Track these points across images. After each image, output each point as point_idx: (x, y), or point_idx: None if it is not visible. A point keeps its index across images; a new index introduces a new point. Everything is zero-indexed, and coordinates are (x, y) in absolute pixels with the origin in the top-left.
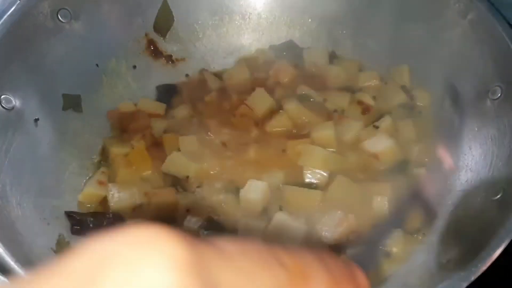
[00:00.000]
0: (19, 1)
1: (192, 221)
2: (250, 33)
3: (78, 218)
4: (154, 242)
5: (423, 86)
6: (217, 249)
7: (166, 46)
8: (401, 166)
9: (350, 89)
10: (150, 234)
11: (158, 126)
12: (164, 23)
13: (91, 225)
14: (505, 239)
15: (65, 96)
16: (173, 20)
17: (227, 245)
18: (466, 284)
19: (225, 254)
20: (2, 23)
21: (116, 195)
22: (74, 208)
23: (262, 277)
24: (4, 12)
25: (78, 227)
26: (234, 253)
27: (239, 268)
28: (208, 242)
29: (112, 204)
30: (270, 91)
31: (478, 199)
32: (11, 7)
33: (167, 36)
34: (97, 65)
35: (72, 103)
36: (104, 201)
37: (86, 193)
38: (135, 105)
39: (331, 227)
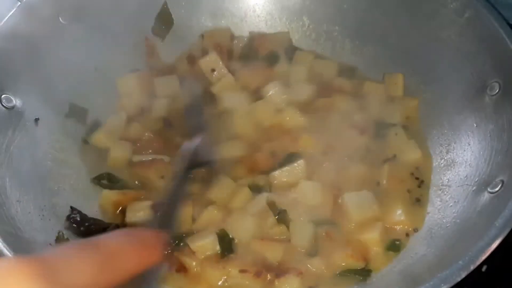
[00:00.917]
0: (20, 3)
1: None
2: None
3: (78, 216)
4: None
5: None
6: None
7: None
8: None
9: None
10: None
11: None
12: (163, 26)
13: (91, 227)
14: (504, 230)
15: (72, 105)
16: (172, 23)
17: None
18: (465, 273)
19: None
20: (3, 24)
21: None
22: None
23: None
24: (6, 13)
25: (71, 222)
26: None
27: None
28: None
29: (127, 219)
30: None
31: (477, 193)
32: (13, 8)
33: (166, 39)
34: (95, 68)
35: (78, 114)
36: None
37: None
38: None
39: None
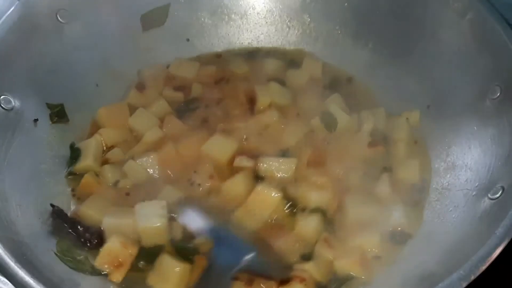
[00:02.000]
0: (18, 1)
1: None
2: (249, 32)
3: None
4: None
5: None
6: None
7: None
8: None
9: None
10: None
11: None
12: (153, 21)
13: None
14: (504, 239)
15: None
16: (162, 24)
17: None
18: (466, 283)
19: None
20: (1, 24)
21: None
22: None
23: None
24: (3, 12)
25: (57, 217)
26: None
27: None
28: None
29: None
30: None
31: (477, 199)
32: (11, 7)
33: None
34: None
35: (57, 112)
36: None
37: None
38: None
39: None
